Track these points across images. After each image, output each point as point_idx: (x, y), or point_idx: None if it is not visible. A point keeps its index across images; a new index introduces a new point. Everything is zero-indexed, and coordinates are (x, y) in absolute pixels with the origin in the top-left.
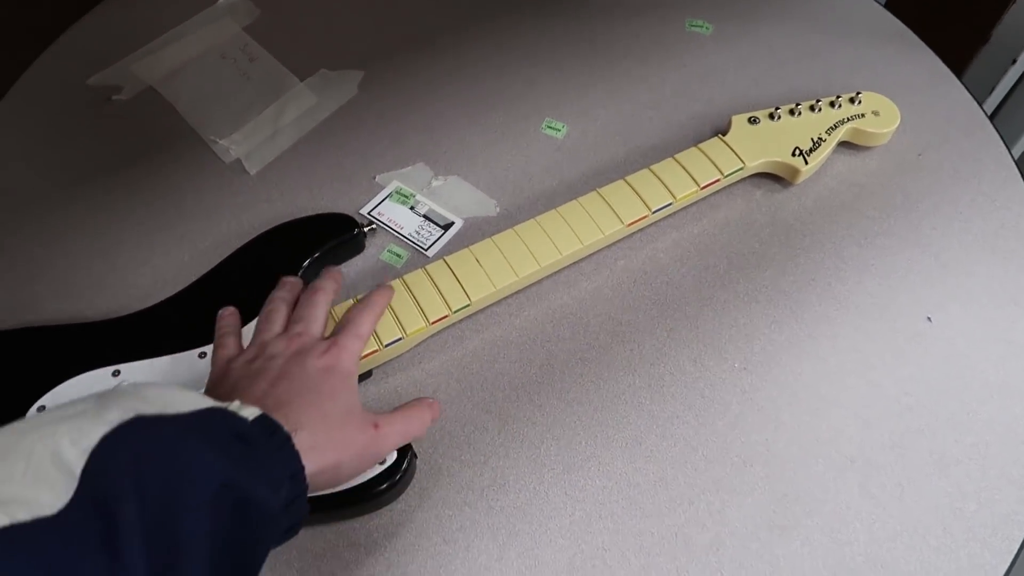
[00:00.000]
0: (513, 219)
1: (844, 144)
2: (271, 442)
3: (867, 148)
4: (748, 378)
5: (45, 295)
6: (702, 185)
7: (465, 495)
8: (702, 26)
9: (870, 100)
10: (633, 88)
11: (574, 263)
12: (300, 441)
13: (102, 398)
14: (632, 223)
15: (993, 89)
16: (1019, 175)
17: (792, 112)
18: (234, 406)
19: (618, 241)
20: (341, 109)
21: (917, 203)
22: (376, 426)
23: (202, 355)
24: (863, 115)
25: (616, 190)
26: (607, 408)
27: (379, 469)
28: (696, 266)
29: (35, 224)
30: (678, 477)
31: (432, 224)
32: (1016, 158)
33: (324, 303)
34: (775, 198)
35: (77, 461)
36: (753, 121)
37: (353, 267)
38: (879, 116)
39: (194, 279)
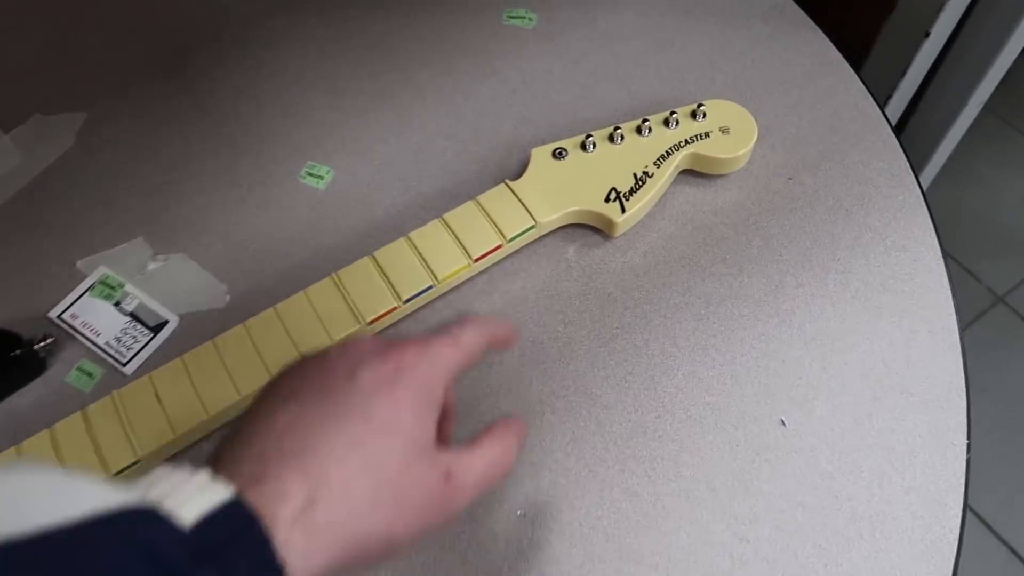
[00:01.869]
0: (245, 311)
1: (689, 172)
2: (233, 552)
3: (719, 176)
4: (528, 529)
5: None
6: (476, 257)
7: None
8: (523, 17)
9: (718, 112)
10: (425, 110)
11: None
12: (314, 520)
13: None
14: (375, 320)
15: (905, 72)
16: (923, 199)
17: (611, 138)
18: (165, 508)
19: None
20: (51, 167)
21: (781, 251)
22: (448, 477)
23: None
24: (707, 134)
25: (358, 273)
26: None
27: None
28: (475, 367)
29: None
30: None
31: (139, 325)
32: (923, 188)
33: (472, 328)
34: (592, 256)
35: None
36: (559, 154)
37: (28, 396)
38: (728, 134)
39: None
